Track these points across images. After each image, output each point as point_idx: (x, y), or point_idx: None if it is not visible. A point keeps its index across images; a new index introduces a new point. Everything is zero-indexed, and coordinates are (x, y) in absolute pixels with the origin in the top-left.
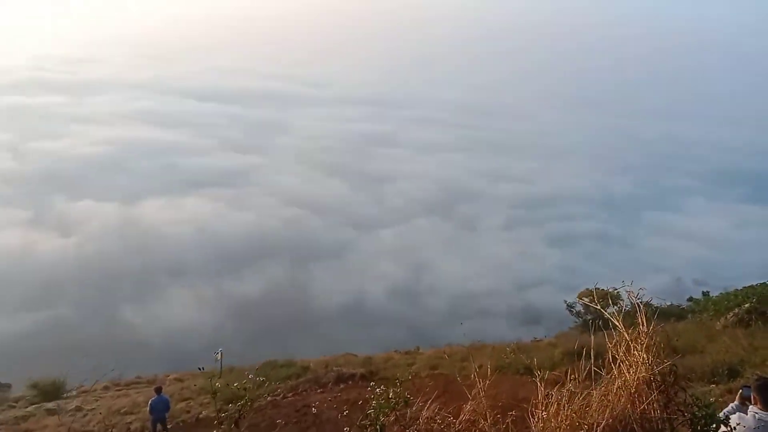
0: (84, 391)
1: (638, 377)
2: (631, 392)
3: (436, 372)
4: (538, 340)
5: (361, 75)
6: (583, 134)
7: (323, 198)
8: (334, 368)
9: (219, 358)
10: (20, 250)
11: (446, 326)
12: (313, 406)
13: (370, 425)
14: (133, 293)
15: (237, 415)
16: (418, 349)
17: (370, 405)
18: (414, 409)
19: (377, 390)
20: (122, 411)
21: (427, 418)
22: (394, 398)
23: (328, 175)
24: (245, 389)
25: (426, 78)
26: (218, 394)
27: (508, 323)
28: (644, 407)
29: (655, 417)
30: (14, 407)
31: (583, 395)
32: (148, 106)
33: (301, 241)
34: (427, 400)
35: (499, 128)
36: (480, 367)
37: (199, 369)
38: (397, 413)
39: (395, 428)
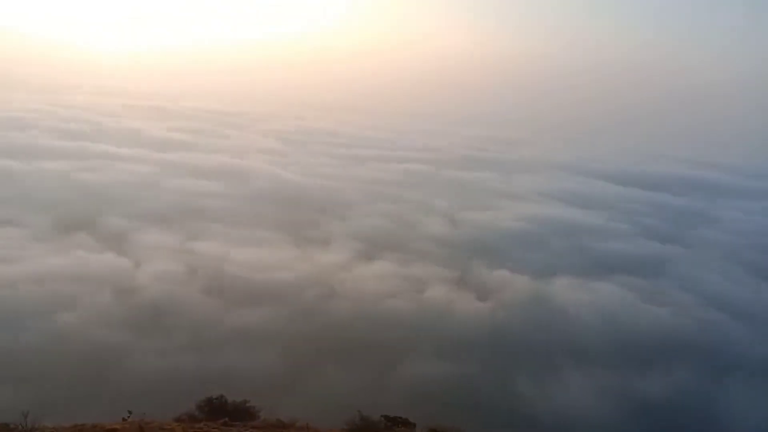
0: None
1: None
2: None
3: None
4: None
5: None
6: None
7: (751, 304)
8: None
9: None
10: (444, 306)
11: None
12: None
13: None
14: (532, 366)
15: None
16: None
17: None
18: None
19: None
20: None
21: None
22: None
23: (760, 279)
24: None
25: None
26: None
27: None
28: None
29: None
30: None
31: None
32: (569, 186)
33: (718, 349)
34: None
35: None
36: None
37: None
38: None
39: None
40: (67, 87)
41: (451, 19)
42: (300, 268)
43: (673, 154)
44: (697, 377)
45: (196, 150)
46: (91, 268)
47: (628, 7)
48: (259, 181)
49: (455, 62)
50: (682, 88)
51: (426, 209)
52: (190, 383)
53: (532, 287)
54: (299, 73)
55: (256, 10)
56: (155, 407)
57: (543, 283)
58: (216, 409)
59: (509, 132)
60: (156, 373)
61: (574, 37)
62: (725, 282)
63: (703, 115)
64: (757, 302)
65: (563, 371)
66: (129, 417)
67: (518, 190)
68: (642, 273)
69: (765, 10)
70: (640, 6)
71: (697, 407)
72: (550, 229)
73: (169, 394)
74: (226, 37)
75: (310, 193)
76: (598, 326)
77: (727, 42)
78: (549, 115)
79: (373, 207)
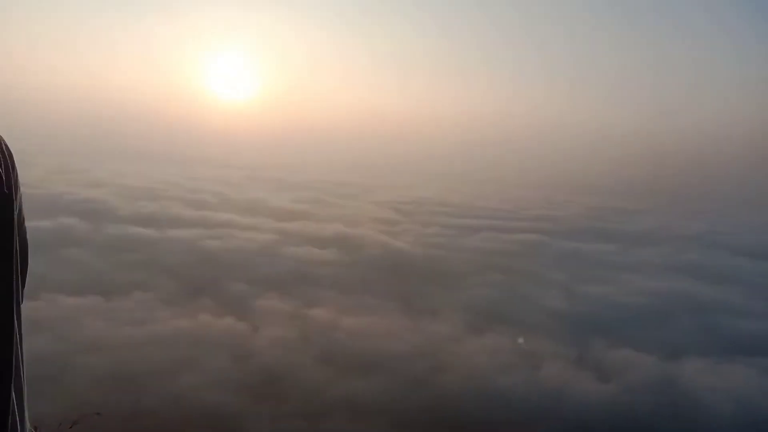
0: None
1: None
2: None
3: None
4: None
5: None
6: None
7: None
8: None
9: None
10: (561, 385)
11: None
12: None
13: None
14: None
15: None
16: None
17: None
18: None
19: None
20: None
21: None
22: None
23: None
24: None
25: None
26: None
27: None
28: None
29: None
30: None
31: None
32: (695, 260)
33: None
34: None
35: None
36: None
37: None
38: None
39: None
40: (196, 159)
41: (555, 88)
42: (409, 339)
43: None
44: None
45: (312, 219)
46: (212, 331)
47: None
48: (371, 249)
49: (568, 132)
50: None
51: (540, 281)
52: None
53: (659, 369)
54: (407, 142)
55: (356, 78)
56: None
57: (671, 365)
58: None
59: (628, 201)
60: None
61: (683, 103)
62: None
63: None
64: None
65: None
66: None
67: (640, 263)
68: None
69: None
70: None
71: None
72: (677, 306)
73: None
74: (331, 106)
75: (421, 263)
76: (733, 413)
77: None
78: (668, 184)
79: (484, 278)
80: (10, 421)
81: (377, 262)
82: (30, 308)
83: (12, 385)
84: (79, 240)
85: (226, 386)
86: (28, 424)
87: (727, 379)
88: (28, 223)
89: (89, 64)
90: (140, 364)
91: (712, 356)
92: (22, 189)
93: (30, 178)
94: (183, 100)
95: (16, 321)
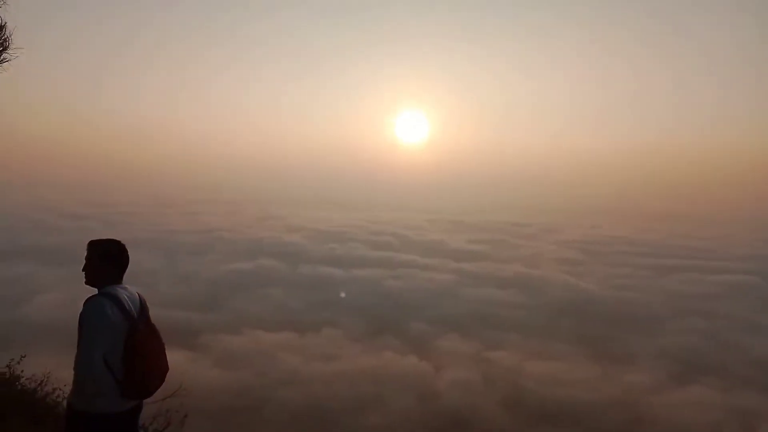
0: None
1: None
2: None
3: None
4: None
5: None
6: None
7: None
8: None
9: None
10: None
11: None
12: None
13: None
14: None
15: None
16: None
17: None
18: None
19: None
20: None
21: None
22: None
23: None
24: None
25: None
26: None
27: None
28: None
29: None
30: None
31: None
32: None
33: None
34: None
35: None
36: None
37: None
38: None
39: None
40: (379, 204)
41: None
42: (600, 388)
43: None
44: None
45: (491, 260)
46: (395, 370)
47: None
48: (554, 290)
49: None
50: None
51: (752, 327)
52: None
53: None
54: (591, 181)
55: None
56: None
57: None
58: None
59: None
60: None
61: None
62: None
63: None
64: None
65: None
66: None
67: None
68: None
69: None
70: None
71: None
72: None
73: None
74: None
75: (610, 306)
76: None
77: None
78: None
79: (684, 323)
80: None
81: (562, 304)
82: (233, 342)
83: None
84: (277, 280)
85: (413, 427)
86: None
87: None
88: (236, 265)
89: (288, 124)
90: (330, 399)
91: None
92: (231, 235)
93: (238, 224)
94: (365, 150)
95: None
